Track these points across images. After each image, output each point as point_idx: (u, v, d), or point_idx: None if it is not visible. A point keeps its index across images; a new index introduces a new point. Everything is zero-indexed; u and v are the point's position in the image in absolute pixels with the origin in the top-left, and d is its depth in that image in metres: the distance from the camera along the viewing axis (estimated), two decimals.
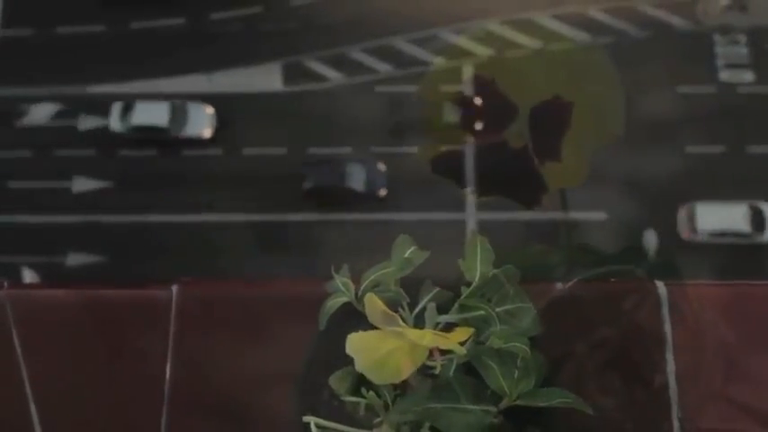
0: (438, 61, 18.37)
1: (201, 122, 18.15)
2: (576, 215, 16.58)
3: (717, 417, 1.83)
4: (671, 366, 1.83)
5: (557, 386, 1.56)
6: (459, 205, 17.19)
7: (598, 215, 17.20)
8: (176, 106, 18.21)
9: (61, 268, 17.32)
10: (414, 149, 17.38)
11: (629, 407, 1.58)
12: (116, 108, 18.23)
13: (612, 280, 1.99)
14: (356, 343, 1.43)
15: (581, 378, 1.59)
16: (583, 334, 1.69)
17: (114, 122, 18.14)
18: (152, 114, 18.14)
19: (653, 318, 1.89)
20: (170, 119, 18.07)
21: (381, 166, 17.91)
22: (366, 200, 17.81)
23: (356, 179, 17.85)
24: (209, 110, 18.24)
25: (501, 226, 16.19)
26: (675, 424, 1.80)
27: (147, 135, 18.02)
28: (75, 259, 17.51)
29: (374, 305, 1.46)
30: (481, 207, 17.19)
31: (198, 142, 18.10)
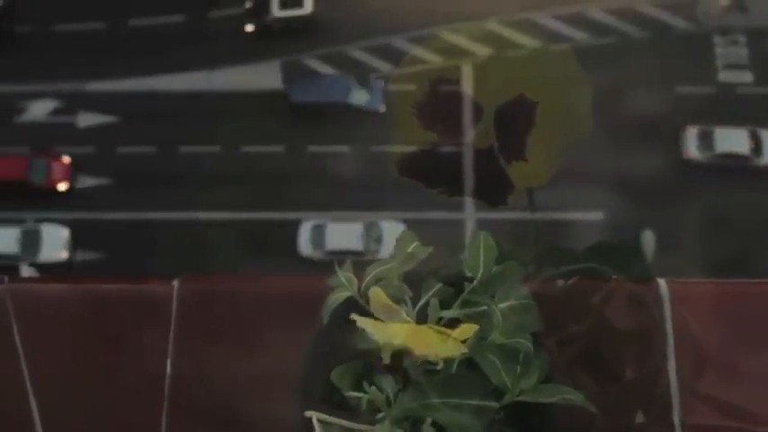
0: (436, 60, 18.36)
1: None
2: (572, 215, 16.58)
3: (707, 414, 1.83)
4: (671, 363, 1.83)
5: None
6: (458, 205, 17.19)
7: (595, 215, 17.21)
8: None
9: (59, 265, 17.31)
10: (414, 147, 17.35)
11: (600, 401, 1.59)
12: (692, 135, 17.55)
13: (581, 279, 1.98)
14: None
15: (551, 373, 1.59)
16: (551, 330, 1.70)
17: (692, 151, 17.52)
18: (733, 142, 17.45)
19: (621, 312, 1.90)
20: None
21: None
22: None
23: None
24: None
25: (499, 225, 16.17)
26: (676, 421, 1.80)
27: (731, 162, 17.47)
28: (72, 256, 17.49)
29: (379, 298, 1.46)
30: (479, 207, 17.18)
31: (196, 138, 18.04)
